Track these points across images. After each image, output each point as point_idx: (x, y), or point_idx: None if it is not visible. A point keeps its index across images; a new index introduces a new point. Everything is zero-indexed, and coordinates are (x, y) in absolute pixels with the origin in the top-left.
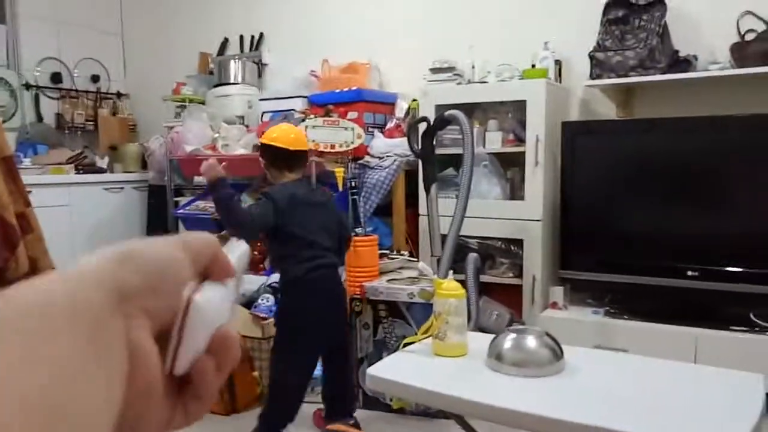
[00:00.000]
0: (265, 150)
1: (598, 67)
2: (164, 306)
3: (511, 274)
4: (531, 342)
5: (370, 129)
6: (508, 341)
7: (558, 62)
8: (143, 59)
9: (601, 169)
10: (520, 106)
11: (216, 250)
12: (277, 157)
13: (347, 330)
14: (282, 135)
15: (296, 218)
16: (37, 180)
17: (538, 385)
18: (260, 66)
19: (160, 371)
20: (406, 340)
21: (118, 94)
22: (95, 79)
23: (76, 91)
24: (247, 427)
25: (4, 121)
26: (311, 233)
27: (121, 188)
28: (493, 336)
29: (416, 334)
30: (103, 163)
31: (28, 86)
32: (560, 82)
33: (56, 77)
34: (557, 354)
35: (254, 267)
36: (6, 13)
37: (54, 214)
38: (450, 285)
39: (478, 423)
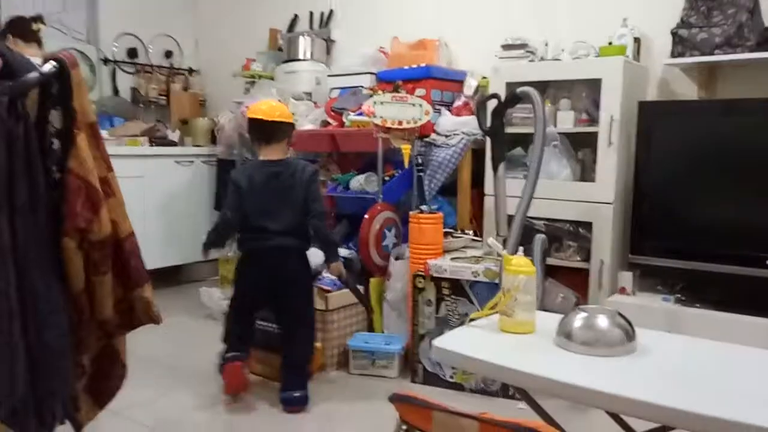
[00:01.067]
0: (249, 124)
1: (681, 44)
2: None
3: (578, 258)
4: (602, 321)
5: (438, 107)
6: (579, 320)
7: (637, 40)
8: (214, 36)
9: (678, 152)
10: (594, 85)
11: None
12: (255, 130)
13: (298, 304)
14: (260, 107)
15: (250, 202)
16: (114, 151)
17: (608, 365)
18: (329, 43)
19: None
20: (472, 315)
21: (190, 70)
22: (168, 54)
23: (151, 66)
24: (311, 395)
25: None
26: (260, 218)
27: (191, 161)
28: (562, 315)
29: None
30: (174, 136)
31: (106, 61)
32: (638, 60)
33: (132, 52)
34: (629, 334)
35: None
36: None
37: (128, 184)
38: (519, 261)
39: (543, 401)
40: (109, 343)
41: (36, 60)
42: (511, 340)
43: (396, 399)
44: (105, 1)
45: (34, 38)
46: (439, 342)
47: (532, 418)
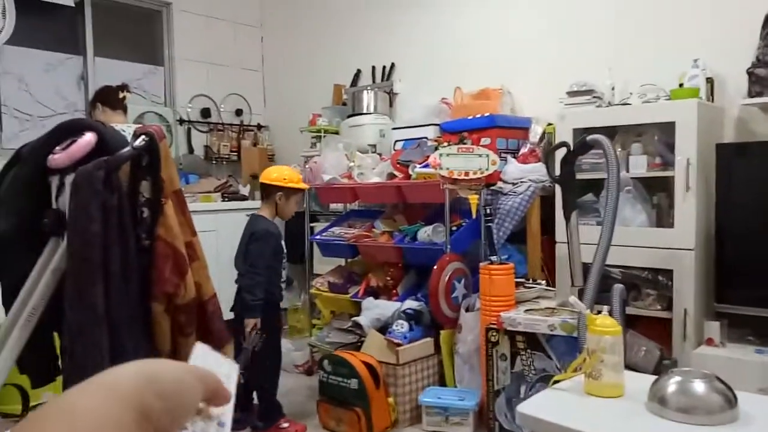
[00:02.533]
0: None
1: (758, 83)
2: (174, 425)
3: (658, 307)
4: (699, 386)
5: (503, 155)
6: (673, 384)
7: (709, 80)
8: (282, 93)
9: (760, 193)
10: (666, 128)
11: (219, 383)
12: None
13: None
14: (267, 170)
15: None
16: (189, 207)
17: None
18: (391, 95)
19: None
20: (555, 378)
21: (259, 126)
22: (239, 112)
23: (222, 124)
24: None
25: None
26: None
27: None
28: (654, 377)
29: (557, 367)
30: (245, 190)
31: (181, 121)
32: (712, 101)
33: (205, 112)
34: (730, 401)
35: (387, 293)
36: (164, 57)
37: (203, 238)
38: (605, 321)
39: None
40: None
41: (123, 127)
42: (599, 405)
43: None
44: (180, 66)
45: (120, 106)
46: (523, 408)
47: None
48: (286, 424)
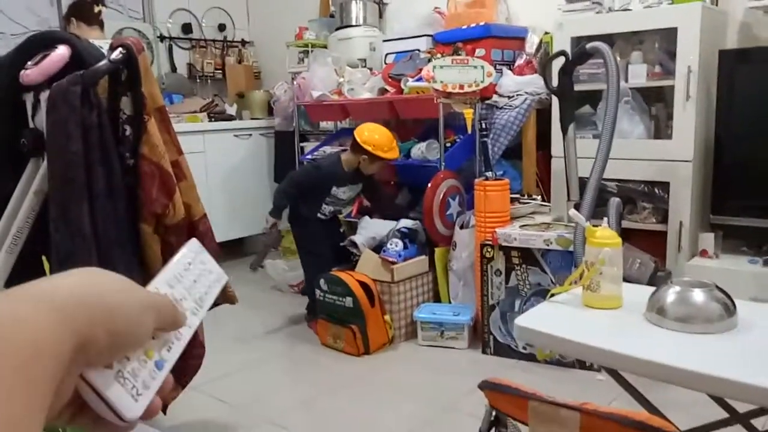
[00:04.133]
0: None
1: None
2: (108, 360)
3: (653, 220)
4: (698, 295)
5: (499, 66)
6: (672, 294)
7: None
8: (266, 6)
9: (763, 101)
10: (668, 35)
11: (176, 314)
12: None
13: None
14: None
15: None
16: (175, 128)
17: (706, 343)
18: (381, 5)
19: (60, 408)
20: (552, 291)
21: (243, 42)
22: (221, 27)
23: (205, 40)
24: (379, 366)
25: None
26: None
27: (249, 135)
28: (653, 289)
29: (552, 281)
30: (231, 110)
31: (162, 38)
32: (716, 5)
33: (186, 28)
34: (729, 309)
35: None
36: None
37: (190, 160)
38: (604, 233)
39: (633, 379)
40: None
41: (100, 43)
42: (598, 317)
43: (487, 386)
44: None
45: (96, 21)
46: (521, 321)
47: (612, 391)
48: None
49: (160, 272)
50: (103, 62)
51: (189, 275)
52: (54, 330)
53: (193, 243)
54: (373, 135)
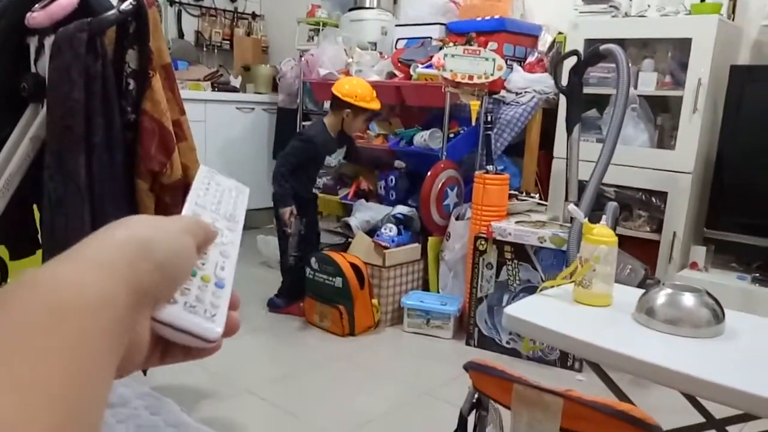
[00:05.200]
0: None
1: None
2: (170, 293)
3: (648, 228)
4: (688, 299)
5: (510, 62)
6: (662, 296)
7: None
8: None
9: None
10: (682, 45)
11: (205, 226)
12: None
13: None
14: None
15: None
16: None
17: (692, 346)
18: None
19: (146, 354)
20: (543, 284)
21: (254, 15)
22: None
23: (215, 9)
24: (362, 348)
25: None
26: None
27: (252, 109)
28: (643, 290)
29: (542, 279)
30: (236, 82)
31: (172, 2)
32: (733, 19)
33: None
34: (718, 316)
35: (376, 197)
36: None
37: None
38: (602, 230)
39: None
40: None
41: None
42: (586, 313)
43: (472, 367)
44: None
45: None
46: (510, 310)
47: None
48: (301, 303)
49: (184, 204)
50: (112, 12)
51: (211, 198)
52: (102, 285)
53: (204, 169)
54: (354, 87)
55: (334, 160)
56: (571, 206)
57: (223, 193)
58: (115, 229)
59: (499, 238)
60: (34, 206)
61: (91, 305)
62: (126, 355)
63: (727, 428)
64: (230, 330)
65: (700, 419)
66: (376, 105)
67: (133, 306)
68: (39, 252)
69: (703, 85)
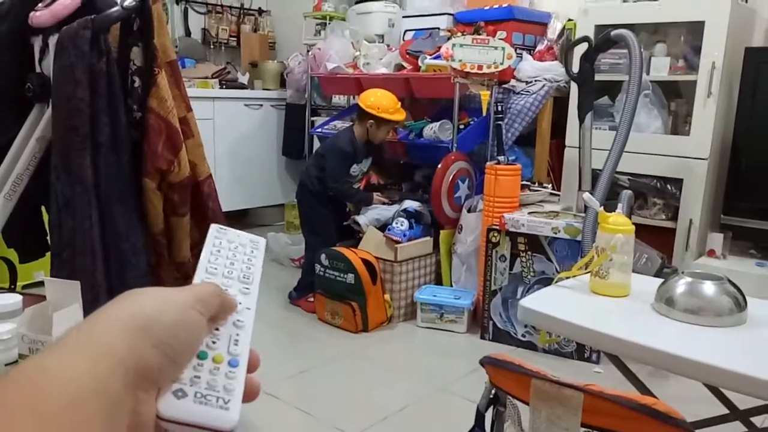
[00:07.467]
0: None
1: None
2: (179, 369)
3: (663, 216)
4: (709, 288)
5: (519, 51)
6: (682, 285)
7: None
8: None
9: None
10: (694, 28)
11: (221, 296)
12: None
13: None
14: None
15: None
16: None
17: (714, 335)
18: None
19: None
20: (559, 275)
21: (260, 11)
22: None
23: (222, 6)
24: (375, 344)
25: None
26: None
27: (260, 105)
28: (662, 279)
29: (557, 270)
30: (244, 79)
31: (178, 0)
32: (746, 1)
33: None
34: (740, 304)
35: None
36: None
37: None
38: (618, 219)
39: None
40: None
41: None
42: (604, 303)
43: (489, 362)
44: None
45: None
46: (525, 302)
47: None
48: (312, 299)
49: (195, 274)
50: (116, 8)
51: (222, 260)
52: (96, 371)
53: (213, 228)
54: (379, 99)
55: (364, 167)
56: (586, 195)
57: (236, 252)
58: (118, 304)
59: (512, 229)
60: (42, 208)
61: (82, 396)
62: None
63: (752, 419)
64: (249, 397)
65: (723, 410)
66: (399, 116)
67: (132, 387)
68: (48, 254)
69: (717, 68)
